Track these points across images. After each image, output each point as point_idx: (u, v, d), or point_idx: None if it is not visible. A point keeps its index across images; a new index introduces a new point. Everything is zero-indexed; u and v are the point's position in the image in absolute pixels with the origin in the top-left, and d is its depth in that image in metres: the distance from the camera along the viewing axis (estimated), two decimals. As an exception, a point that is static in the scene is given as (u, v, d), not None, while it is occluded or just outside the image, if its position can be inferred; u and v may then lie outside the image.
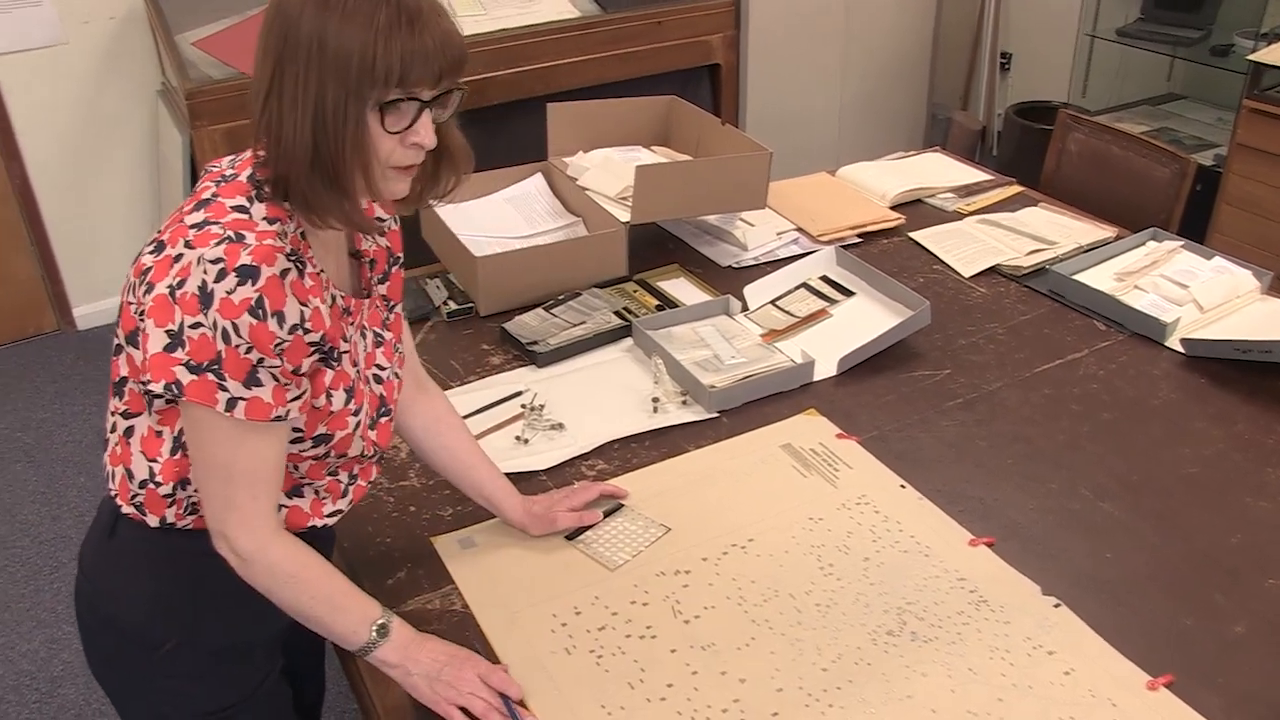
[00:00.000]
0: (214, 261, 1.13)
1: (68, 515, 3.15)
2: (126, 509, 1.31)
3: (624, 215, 2.26)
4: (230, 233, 1.15)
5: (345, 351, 1.29)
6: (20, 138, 3.80)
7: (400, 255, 1.45)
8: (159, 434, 1.27)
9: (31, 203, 3.91)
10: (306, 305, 1.18)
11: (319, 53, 1.12)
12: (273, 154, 1.17)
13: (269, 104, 1.16)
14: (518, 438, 1.78)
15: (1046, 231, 2.39)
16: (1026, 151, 4.33)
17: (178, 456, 1.27)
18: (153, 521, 1.30)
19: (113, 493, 1.32)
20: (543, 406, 1.84)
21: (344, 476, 1.39)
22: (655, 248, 2.39)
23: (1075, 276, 2.19)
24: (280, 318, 1.15)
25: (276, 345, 1.15)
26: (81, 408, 3.65)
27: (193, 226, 1.17)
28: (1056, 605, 1.44)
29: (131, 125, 3.96)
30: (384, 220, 1.43)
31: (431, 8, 1.17)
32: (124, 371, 1.26)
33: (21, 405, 3.67)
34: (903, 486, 1.67)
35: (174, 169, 3.67)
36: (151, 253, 1.20)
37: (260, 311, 1.13)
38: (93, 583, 1.40)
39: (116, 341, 1.27)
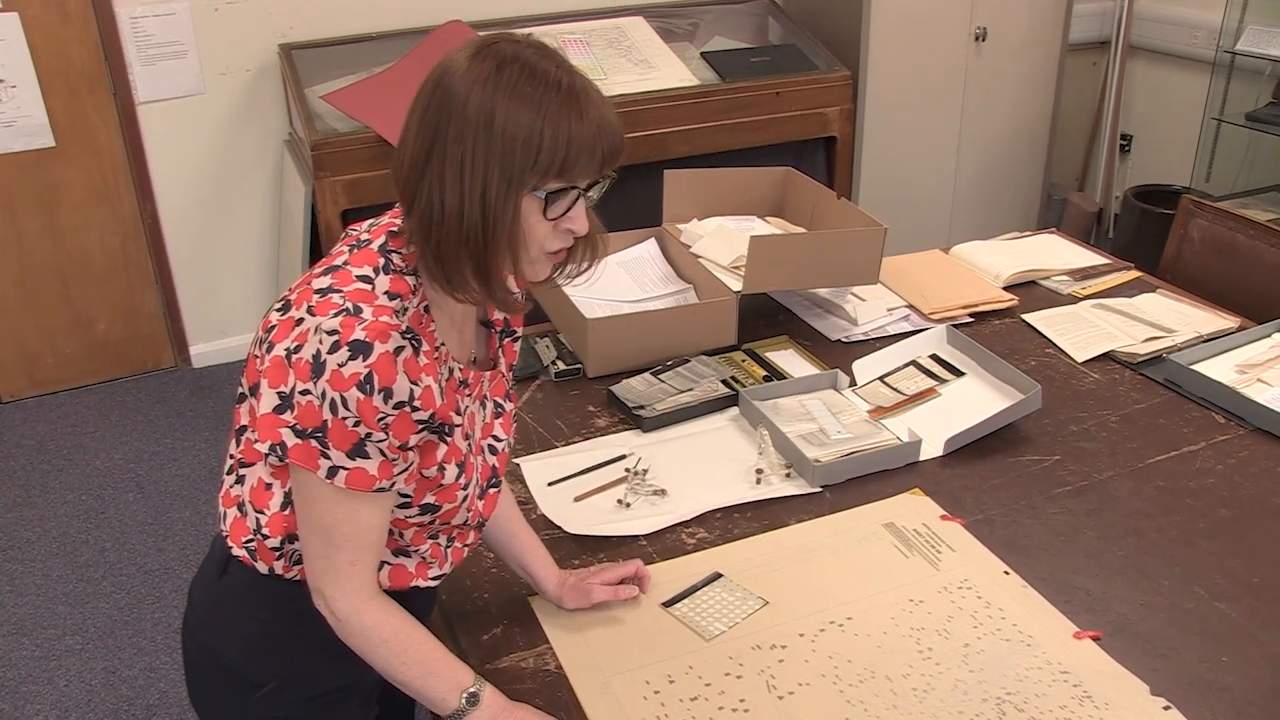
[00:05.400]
0: (330, 333, 1.15)
1: (172, 548, 3.23)
2: (238, 551, 1.33)
3: (736, 284, 2.27)
4: (349, 304, 1.16)
5: (458, 425, 1.30)
6: (155, 180, 3.96)
7: (517, 331, 1.46)
8: (269, 486, 1.29)
9: (160, 242, 4.06)
10: (418, 384, 1.18)
11: (485, 133, 1.13)
12: (422, 227, 1.18)
13: (425, 176, 1.16)
14: (620, 501, 1.78)
15: (1165, 319, 2.34)
16: (1145, 236, 4.26)
17: (287, 512, 1.29)
18: (262, 569, 1.33)
19: (224, 533, 1.35)
20: (646, 471, 1.84)
21: (443, 540, 1.40)
22: (765, 318, 2.39)
23: (1194, 366, 2.14)
24: (387, 394, 1.15)
25: (380, 419, 1.16)
26: (191, 443, 3.75)
27: (317, 292, 1.19)
28: (1167, 708, 1.39)
29: (258, 173, 4.09)
30: (515, 294, 1.44)
31: (598, 96, 1.18)
32: (244, 420, 1.29)
33: (136, 437, 3.79)
34: (1006, 573, 1.64)
35: (296, 217, 3.78)
36: (278, 311, 1.23)
37: (368, 387, 1.14)
38: (200, 618, 1.43)
39: (241, 390, 1.29)
